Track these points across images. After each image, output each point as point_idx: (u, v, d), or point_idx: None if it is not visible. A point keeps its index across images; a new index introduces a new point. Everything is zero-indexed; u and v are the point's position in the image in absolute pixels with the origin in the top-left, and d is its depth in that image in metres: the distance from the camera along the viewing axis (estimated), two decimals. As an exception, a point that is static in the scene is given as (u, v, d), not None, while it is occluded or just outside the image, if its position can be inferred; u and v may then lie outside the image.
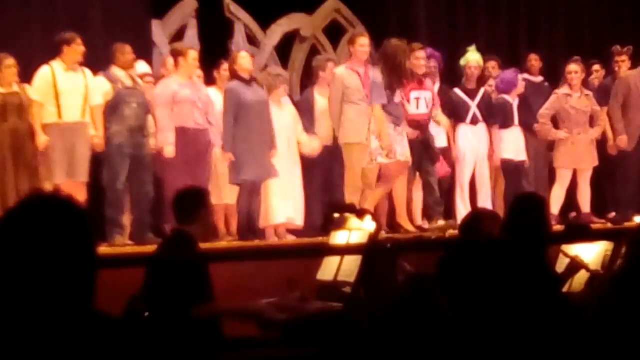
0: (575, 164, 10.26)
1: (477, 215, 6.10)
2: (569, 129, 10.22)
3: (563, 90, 10.33)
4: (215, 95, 9.24)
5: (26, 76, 8.61)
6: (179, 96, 8.79)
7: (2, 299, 2.06)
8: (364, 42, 9.54)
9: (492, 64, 10.71)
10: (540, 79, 10.96)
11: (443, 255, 2.72)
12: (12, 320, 2.04)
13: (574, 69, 10.28)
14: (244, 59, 9.10)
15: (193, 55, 9.05)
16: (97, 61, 8.95)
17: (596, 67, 10.95)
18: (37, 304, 2.04)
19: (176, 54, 9.14)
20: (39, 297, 2.04)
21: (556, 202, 10.00)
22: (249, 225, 8.96)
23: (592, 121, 10.38)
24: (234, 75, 9.05)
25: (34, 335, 2.03)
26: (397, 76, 9.27)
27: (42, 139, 8.47)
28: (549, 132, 10.28)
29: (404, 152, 9.32)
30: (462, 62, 10.34)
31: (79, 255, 2.09)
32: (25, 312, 2.04)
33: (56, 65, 8.57)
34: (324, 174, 9.77)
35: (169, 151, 8.73)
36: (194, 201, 5.60)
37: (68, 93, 8.53)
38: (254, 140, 8.87)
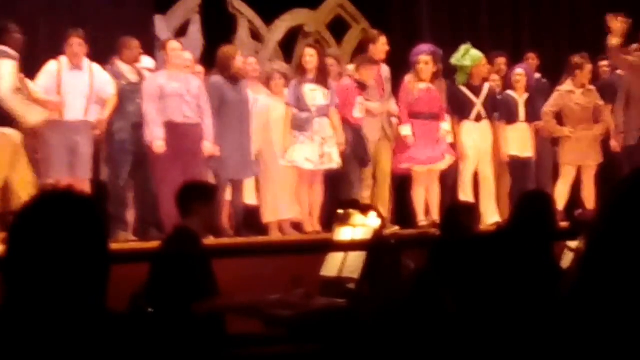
0: (580, 160, 10.22)
1: (455, 209, 6.09)
2: (573, 126, 10.18)
3: (566, 86, 10.28)
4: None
5: (27, 70, 8.58)
6: (166, 89, 8.56)
7: (16, 296, 2.05)
8: (384, 41, 9.73)
9: (501, 60, 10.68)
10: (537, 75, 10.92)
11: (434, 249, 2.70)
12: (26, 316, 2.03)
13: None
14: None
15: (171, 46, 8.85)
16: (100, 56, 8.93)
17: (604, 62, 10.89)
18: (51, 300, 2.03)
19: (160, 47, 9.10)
20: (52, 294, 2.03)
21: (560, 198, 9.96)
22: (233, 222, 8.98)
23: (595, 117, 10.33)
24: (221, 70, 8.92)
25: (47, 331, 2.02)
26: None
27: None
28: (554, 129, 10.25)
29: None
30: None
31: (93, 252, 2.07)
32: (40, 308, 2.03)
33: (64, 61, 8.49)
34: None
35: (158, 146, 8.47)
36: (190, 194, 5.64)
37: (70, 92, 8.42)
38: (232, 139, 8.78)
